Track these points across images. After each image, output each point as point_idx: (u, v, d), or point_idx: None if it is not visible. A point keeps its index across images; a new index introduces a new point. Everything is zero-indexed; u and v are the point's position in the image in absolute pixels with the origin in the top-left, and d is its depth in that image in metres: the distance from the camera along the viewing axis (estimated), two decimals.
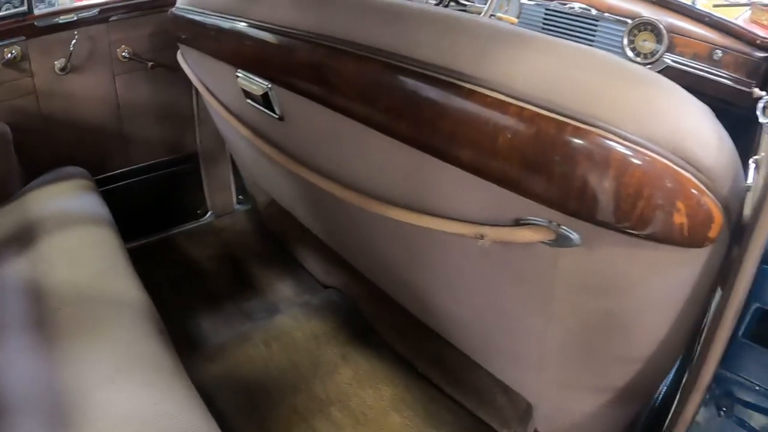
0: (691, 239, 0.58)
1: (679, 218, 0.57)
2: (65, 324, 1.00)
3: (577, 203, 0.59)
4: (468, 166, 0.67)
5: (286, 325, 1.45)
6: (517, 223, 0.68)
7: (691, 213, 0.57)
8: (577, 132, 0.57)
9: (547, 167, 0.59)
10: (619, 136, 0.56)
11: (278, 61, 0.99)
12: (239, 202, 2.10)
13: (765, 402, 0.67)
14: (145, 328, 1.02)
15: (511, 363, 1.06)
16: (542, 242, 0.67)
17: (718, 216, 0.58)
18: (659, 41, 1.49)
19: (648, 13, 1.53)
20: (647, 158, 0.55)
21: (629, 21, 1.52)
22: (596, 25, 1.59)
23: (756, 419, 0.68)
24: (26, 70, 1.52)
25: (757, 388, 0.67)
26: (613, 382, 0.84)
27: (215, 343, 1.45)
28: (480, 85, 0.65)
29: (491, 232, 0.70)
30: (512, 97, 0.62)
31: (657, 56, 1.50)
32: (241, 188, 2.07)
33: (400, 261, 1.09)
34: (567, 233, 0.64)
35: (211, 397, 1.28)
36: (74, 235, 1.27)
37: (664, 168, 0.55)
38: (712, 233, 0.58)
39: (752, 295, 0.62)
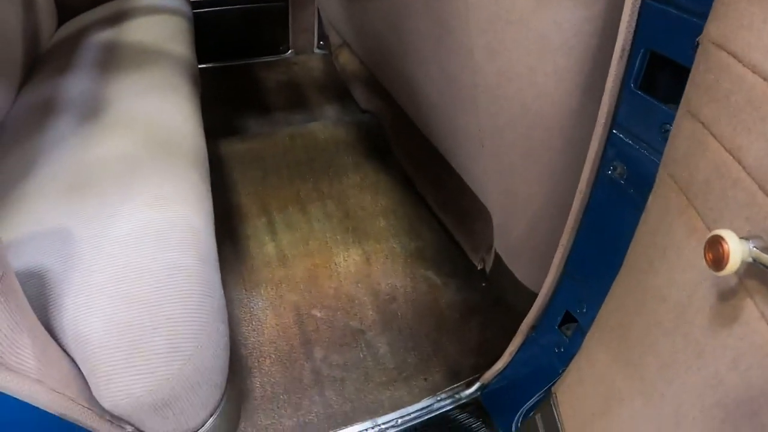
0: None
1: None
2: (122, 63, 1.22)
3: None
4: None
5: (315, 129, 1.59)
6: None
7: None
8: None
9: None
10: None
11: None
12: (319, 47, 2.23)
13: (652, 162, 0.61)
14: (183, 73, 1.23)
15: (462, 148, 1.11)
16: None
17: None
18: None
19: None
20: None
21: None
22: None
23: (644, 180, 0.62)
24: None
25: (646, 147, 0.62)
26: (545, 165, 0.84)
27: (252, 132, 1.64)
28: None
29: None
30: None
31: None
32: (323, 35, 2.19)
33: (399, 52, 1.16)
34: None
35: (231, 166, 1.48)
36: (158, 17, 1.47)
37: None
38: None
39: (639, 36, 0.61)
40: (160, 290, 0.69)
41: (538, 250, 1.02)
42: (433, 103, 1.14)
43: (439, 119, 1.17)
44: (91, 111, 1.07)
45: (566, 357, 0.85)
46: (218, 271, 0.79)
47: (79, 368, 0.66)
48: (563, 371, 0.85)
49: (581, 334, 0.79)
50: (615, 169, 0.68)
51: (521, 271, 1.11)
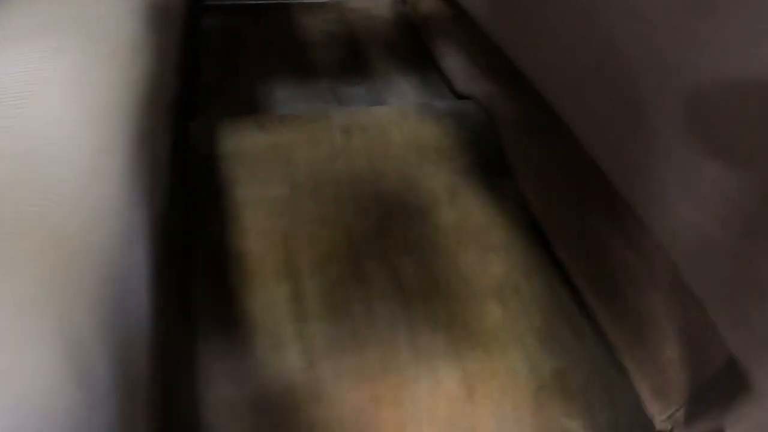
0: None
1: None
2: None
3: None
4: None
5: (383, 118, 0.94)
6: None
7: None
8: None
9: None
10: None
11: None
12: None
13: None
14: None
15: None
16: None
17: None
18: None
19: None
20: None
21: None
22: None
23: None
24: None
25: None
26: None
27: (278, 114, 1.00)
28: None
29: None
30: None
31: None
32: None
33: None
34: None
35: (237, 175, 0.85)
36: None
37: None
38: None
39: None
40: None
41: None
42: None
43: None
44: None
45: None
46: None
47: None
48: None
49: None
50: None
51: None
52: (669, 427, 0.70)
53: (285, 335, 0.70)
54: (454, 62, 1.12)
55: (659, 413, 0.71)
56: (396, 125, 0.92)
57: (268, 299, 0.75)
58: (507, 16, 0.90)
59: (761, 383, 0.54)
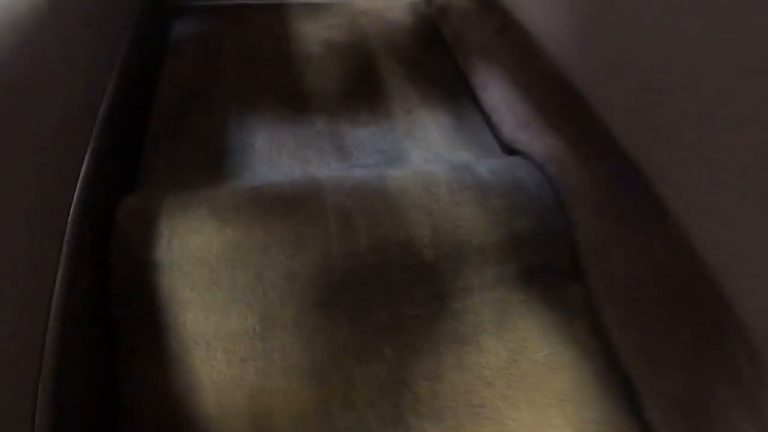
0: None
1: None
2: None
3: None
4: None
5: (403, 195, 0.65)
6: None
7: None
8: None
9: None
10: None
11: None
12: None
13: None
14: None
15: None
16: None
17: None
18: None
19: None
20: None
21: None
22: None
23: None
24: None
25: None
26: None
27: (248, 180, 0.72)
28: None
29: None
30: None
31: None
32: None
33: None
34: None
35: (182, 294, 0.58)
36: None
37: None
38: None
39: None
40: None
41: None
42: None
43: None
44: None
45: None
46: None
47: None
48: None
49: None
50: None
51: None
52: None
53: None
54: (499, 96, 0.83)
55: None
56: (420, 209, 0.64)
57: None
58: (590, 39, 0.61)
59: None
